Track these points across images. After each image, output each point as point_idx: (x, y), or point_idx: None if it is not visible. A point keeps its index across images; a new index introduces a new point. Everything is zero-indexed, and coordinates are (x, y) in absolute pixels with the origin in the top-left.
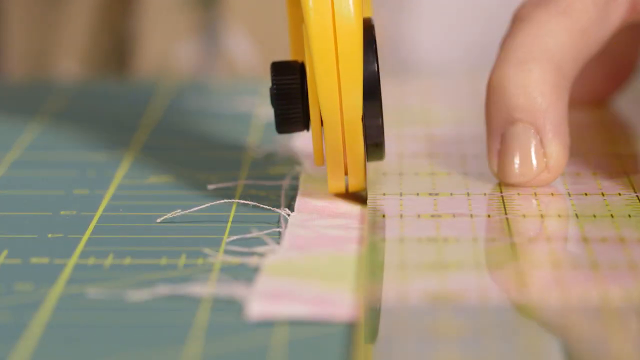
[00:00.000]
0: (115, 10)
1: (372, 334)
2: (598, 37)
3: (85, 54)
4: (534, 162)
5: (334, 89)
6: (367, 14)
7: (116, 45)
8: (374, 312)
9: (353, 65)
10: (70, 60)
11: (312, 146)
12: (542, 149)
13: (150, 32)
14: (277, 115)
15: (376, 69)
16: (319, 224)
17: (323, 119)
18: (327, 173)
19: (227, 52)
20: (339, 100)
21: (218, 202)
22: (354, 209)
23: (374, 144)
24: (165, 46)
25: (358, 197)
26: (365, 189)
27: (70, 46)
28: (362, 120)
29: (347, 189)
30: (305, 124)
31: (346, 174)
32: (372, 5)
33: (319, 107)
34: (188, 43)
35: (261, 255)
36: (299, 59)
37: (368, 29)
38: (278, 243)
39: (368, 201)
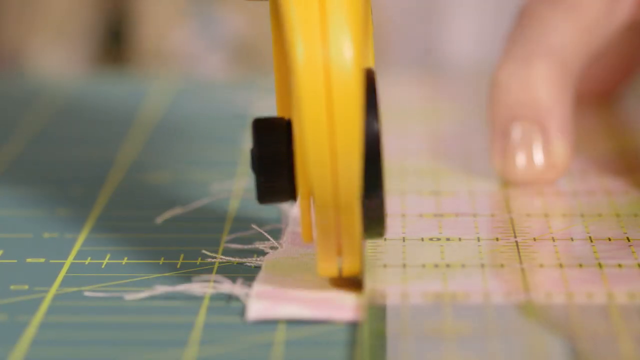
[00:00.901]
0: None
1: (374, 334)
2: (604, 33)
3: (78, 39)
4: (539, 160)
5: (327, 162)
6: (368, 63)
7: (111, 29)
8: (375, 312)
9: (350, 134)
10: (62, 48)
11: (300, 220)
12: (546, 147)
13: (146, 15)
14: (258, 184)
15: (377, 131)
16: None
17: (313, 195)
18: (316, 254)
19: (224, 34)
20: (333, 175)
21: (217, 199)
22: None
23: (374, 221)
24: (162, 30)
25: None
26: (361, 273)
27: (59, 31)
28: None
29: (340, 272)
30: (292, 194)
31: (339, 254)
32: (374, 55)
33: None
34: (184, 26)
35: (260, 254)
36: (287, 116)
37: (369, 83)
38: (278, 242)
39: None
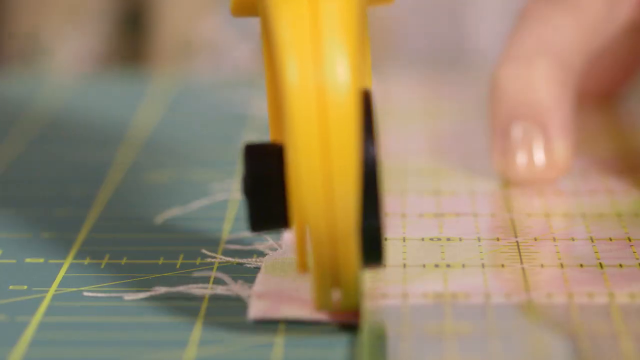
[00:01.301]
0: None
1: (374, 335)
2: (604, 33)
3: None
4: (539, 159)
5: (321, 191)
6: (365, 84)
7: (130, 18)
8: (375, 313)
9: (346, 161)
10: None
11: (295, 250)
12: (547, 146)
13: (171, 4)
14: (251, 211)
15: (375, 157)
16: None
17: (308, 227)
18: (311, 288)
19: (254, 23)
20: (329, 204)
21: (216, 199)
22: None
23: (372, 251)
24: (187, 19)
25: None
26: (359, 308)
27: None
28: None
29: (337, 306)
30: (286, 221)
31: (337, 286)
32: (372, 73)
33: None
34: (210, 18)
35: (260, 255)
36: (280, 140)
37: (365, 106)
38: (277, 243)
39: None
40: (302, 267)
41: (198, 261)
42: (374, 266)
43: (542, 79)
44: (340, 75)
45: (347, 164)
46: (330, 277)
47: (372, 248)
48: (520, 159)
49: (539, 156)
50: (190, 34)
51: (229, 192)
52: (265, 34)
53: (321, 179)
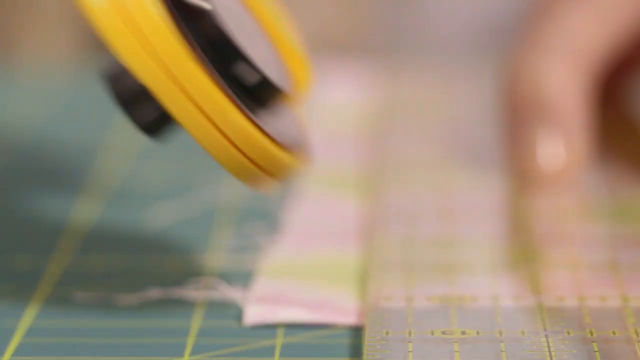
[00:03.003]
0: None
1: (378, 338)
2: (627, 30)
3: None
4: (557, 155)
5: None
6: None
7: None
8: (379, 316)
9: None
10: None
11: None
12: (566, 143)
13: None
14: (134, 119)
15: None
16: (320, 219)
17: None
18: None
19: None
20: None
21: (214, 200)
22: (356, 206)
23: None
24: None
25: (361, 194)
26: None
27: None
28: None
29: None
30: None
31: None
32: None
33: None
34: None
35: (258, 257)
36: None
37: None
38: (276, 244)
39: (373, 199)
40: None
41: (194, 264)
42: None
43: (564, 74)
44: None
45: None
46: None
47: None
48: (539, 154)
49: (557, 152)
50: None
51: (227, 194)
52: None
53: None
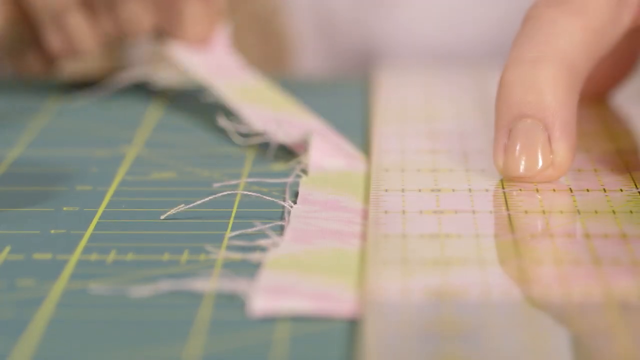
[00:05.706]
0: None
1: (375, 330)
2: (610, 37)
3: None
4: (540, 158)
5: None
6: None
7: None
8: (376, 308)
9: None
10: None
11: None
12: (549, 146)
13: None
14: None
15: None
16: (321, 216)
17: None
18: None
19: None
20: None
21: (220, 194)
22: (356, 204)
23: None
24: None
25: (360, 193)
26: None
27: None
28: None
29: None
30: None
31: None
32: None
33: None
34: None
35: (263, 250)
36: None
37: None
38: (280, 238)
39: (370, 197)
40: None
41: (202, 257)
42: None
43: (548, 82)
44: None
45: None
46: None
47: None
48: (522, 158)
49: (541, 157)
50: None
51: (233, 189)
52: None
53: None
